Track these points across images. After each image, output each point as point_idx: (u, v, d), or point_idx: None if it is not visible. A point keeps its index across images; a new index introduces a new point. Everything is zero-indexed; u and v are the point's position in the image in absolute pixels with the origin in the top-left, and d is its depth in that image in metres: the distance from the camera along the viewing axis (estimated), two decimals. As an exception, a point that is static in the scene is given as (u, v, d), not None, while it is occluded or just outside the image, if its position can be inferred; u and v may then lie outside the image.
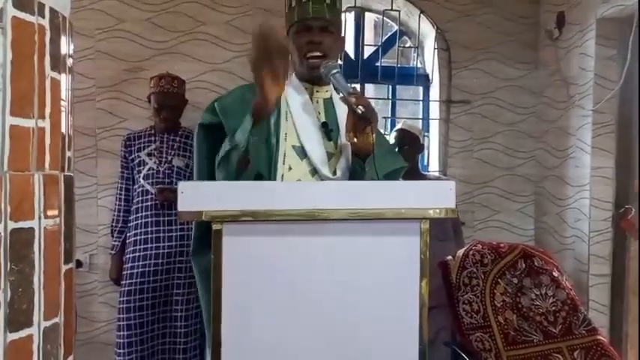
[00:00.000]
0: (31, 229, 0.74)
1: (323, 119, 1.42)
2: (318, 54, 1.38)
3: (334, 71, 1.32)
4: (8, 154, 0.72)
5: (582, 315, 1.76)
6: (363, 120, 1.22)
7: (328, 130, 1.40)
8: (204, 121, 1.39)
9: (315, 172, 1.35)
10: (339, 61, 2.91)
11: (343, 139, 1.39)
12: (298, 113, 1.39)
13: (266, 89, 1.19)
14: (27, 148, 0.75)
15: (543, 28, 2.97)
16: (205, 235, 1.33)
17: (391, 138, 2.45)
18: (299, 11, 1.38)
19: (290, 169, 1.34)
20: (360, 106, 1.22)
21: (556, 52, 2.86)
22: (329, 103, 1.46)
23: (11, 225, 0.71)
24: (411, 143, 2.40)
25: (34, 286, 0.73)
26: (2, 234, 0.70)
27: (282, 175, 1.33)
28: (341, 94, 1.30)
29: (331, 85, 1.44)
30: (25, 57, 0.75)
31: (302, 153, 1.36)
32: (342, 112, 1.42)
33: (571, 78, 2.72)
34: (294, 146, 1.36)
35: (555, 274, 1.85)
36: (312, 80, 1.43)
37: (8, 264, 0.70)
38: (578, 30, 2.64)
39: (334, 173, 1.35)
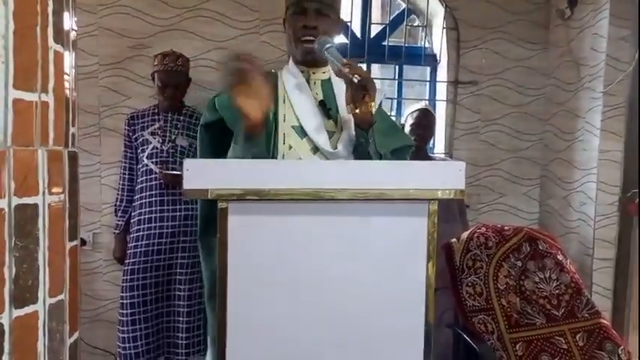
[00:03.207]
0: (35, 205, 0.73)
1: (321, 98, 1.42)
2: (311, 38, 1.36)
3: (327, 46, 1.30)
4: (12, 129, 0.70)
5: (585, 298, 1.76)
6: (360, 88, 1.21)
7: (327, 108, 1.40)
8: (206, 120, 1.38)
9: (316, 149, 1.34)
10: (345, 40, 2.87)
11: (344, 115, 1.39)
12: (295, 94, 1.39)
13: (248, 111, 1.14)
14: (30, 123, 0.74)
15: (554, 8, 2.90)
16: (212, 217, 1.35)
17: (409, 117, 2.42)
18: None
19: (290, 148, 1.34)
20: (355, 75, 1.20)
21: (567, 32, 2.80)
22: (327, 84, 1.45)
23: (15, 200, 0.70)
24: (430, 125, 2.40)
25: (38, 263, 0.73)
26: (6, 209, 0.69)
27: (283, 155, 1.33)
28: (336, 68, 1.29)
29: (328, 66, 1.43)
30: (28, 28, 0.73)
31: (302, 132, 1.36)
32: (340, 91, 1.42)
33: (582, 59, 2.67)
34: (293, 126, 1.36)
35: (559, 257, 1.84)
36: (308, 63, 1.43)
37: (13, 240, 0.69)
38: (592, 9, 2.58)
39: (335, 148, 1.35)
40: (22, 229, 0.71)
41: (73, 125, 0.88)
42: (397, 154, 1.42)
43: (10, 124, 0.70)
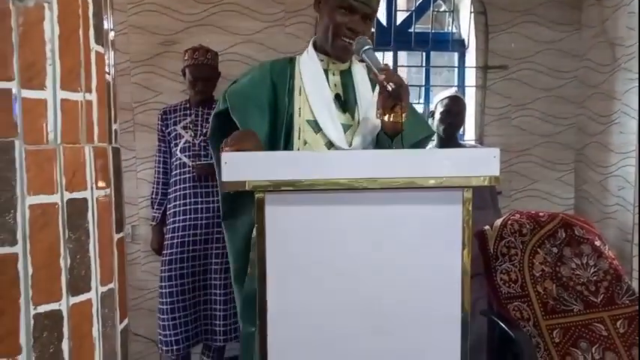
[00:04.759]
0: (85, 200, 0.77)
1: (338, 91, 1.41)
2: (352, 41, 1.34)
3: (366, 47, 1.28)
4: (61, 127, 0.74)
5: (626, 285, 1.72)
6: (392, 97, 1.18)
7: (342, 102, 1.39)
8: (218, 109, 1.41)
9: (331, 144, 1.35)
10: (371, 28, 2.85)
11: (362, 111, 1.38)
12: (311, 87, 1.38)
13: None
14: (77, 121, 0.77)
15: (587, -13, 2.81)
16: (234, 201, 1.42)
17: (438, 105, 2.39)
18: None
19: (305, 143, 1.35)
20: (390, 83, 1.18)
21: (601, 11, 2.71)
22: (346, 74, 1.44)
23: (67, 195, 0.74)
24: (460, 112, 2.37)
25: (90, 254, 0.77)
26: (59, 204, 0.73)
27: (299, 150, 1.34)
28: (372, 72, 1.26)
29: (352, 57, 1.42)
30: (71, 31, 0.77)
31: (316, 127, 1.36)
32: (361, 82, 1.42)
33: (617, 39, 2.57)
34: (308, 121, 1.36)
35: (597, 243, 1.80)
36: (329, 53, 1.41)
37: (66, 232, 0.73)
38: (627, -13, 2.49)
39: (350, 145, 1.35)
40: (74, 222, 0.75)
41: (115, 122, 0.92)
42: (418, 146, 1.41)
43: (60, 122, 0.74)
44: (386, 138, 1.32)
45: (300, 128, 1.35)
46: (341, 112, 1.39)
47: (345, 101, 1.40)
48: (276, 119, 1.38)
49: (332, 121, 1.36)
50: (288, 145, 1.35)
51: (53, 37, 0.74)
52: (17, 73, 0.70)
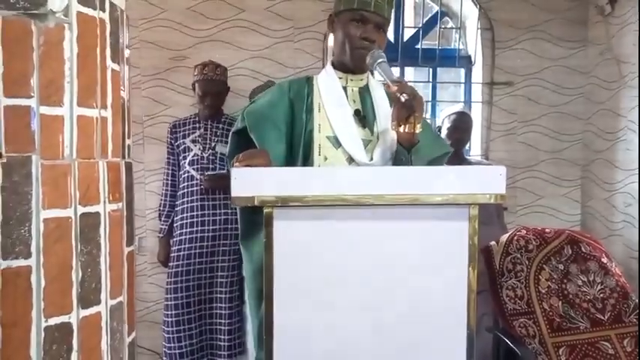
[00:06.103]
0: (97, 214, 0.79)
1: (357, 107, 1.42)
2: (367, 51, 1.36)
3: (380, 60, 1.30)
4: (76, 143, 0.76)
5: (633, 303, 1.71)
6: (406, 108, 1.20)
7: (361, 117, 1.40)
8: (237, 128, 1.42)
9: (351, 159, 1.35)
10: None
11: (381, 125, 1.40)
12: (330, 103, 1.39)
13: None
14: (92, 137, 0.79)
15: (593, 4, 2.83)
16: (252, 221, 1.39)
17: (445, 120, 2.41)
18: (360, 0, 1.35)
19: (326, 159, 1.36)
20: (403, 94, 1.20)
21: (607, 29, 2.73)
22: (364, 91, 1.46)
23: (80, 209, 0.76)
24: (468, 128, 2.38)
25: (101, 267, 0.78)
26: (73, 218, 0.75)
27: (319, 166, 1.35)
28: (386, 83, 1.29)
29: (367, 73, 1.45)
30: (89, 50, 0.79)
31: (337, 143, 1.37)
32: (379, 98, 1.44)
33: (623, 56, 2.59)
34: (328, 137, 1.37)
35: (604, 260, 1.80)
36: (347, 69, 1.43)
37: (79, 246, 0.75)
38: (632, 5, 2.51)
39: (371, 159, 1.36)
40: (87, 236, 0.76)
41: (129, 137, 0.94)
42: (434, 163, 1.42)
43: (75, 138, 0.76)
44: (402, 150, 1.33)
45: (320, 145, 1.36)
46: (360, 127, 1.39)
47: (364, 117, 1.41)
48: (292, 138, 1.39)
49: (352, 136, 1.36)
50: (307, 162, 1.35)
51: (72, 56, 0.76)
52: (37, 91, 0.72)
